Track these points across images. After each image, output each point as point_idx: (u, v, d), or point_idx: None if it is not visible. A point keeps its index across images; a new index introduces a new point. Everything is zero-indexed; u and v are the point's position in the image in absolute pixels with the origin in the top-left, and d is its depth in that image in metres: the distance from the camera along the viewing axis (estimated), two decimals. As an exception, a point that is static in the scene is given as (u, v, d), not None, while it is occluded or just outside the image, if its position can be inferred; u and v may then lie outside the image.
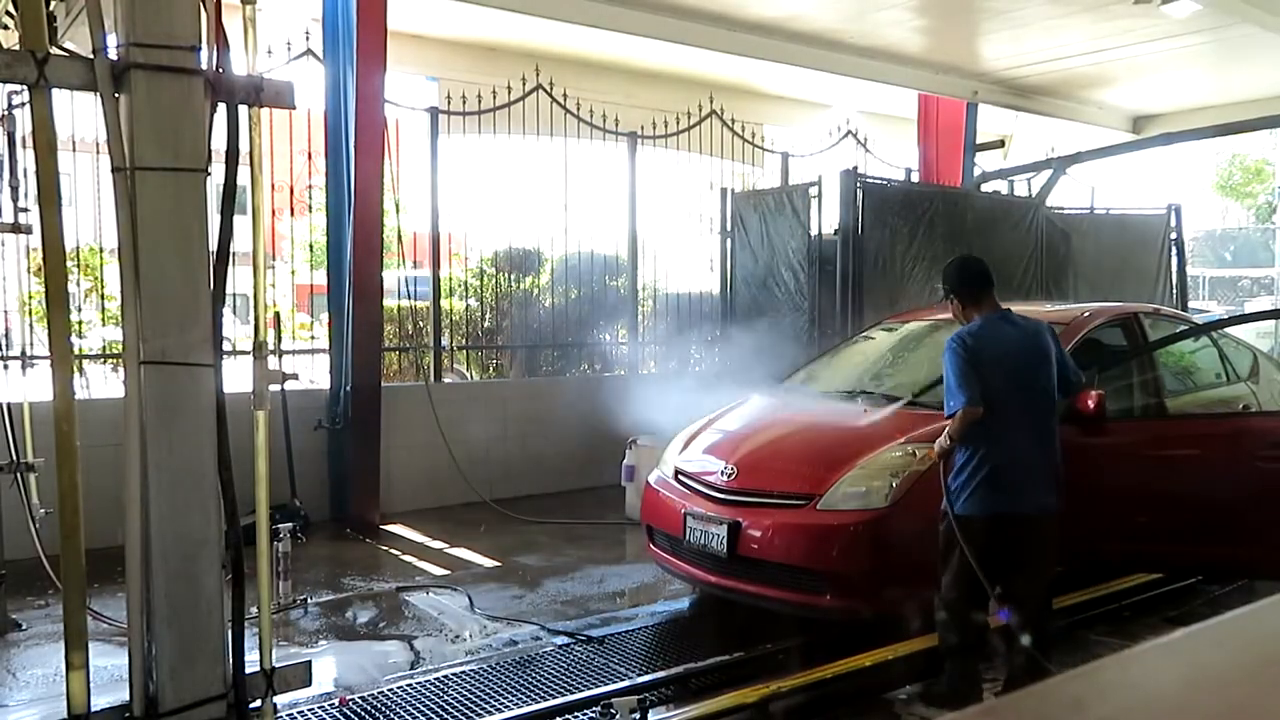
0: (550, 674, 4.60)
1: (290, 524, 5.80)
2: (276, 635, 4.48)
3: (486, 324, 9.56)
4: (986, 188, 11.35)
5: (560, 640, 5.04)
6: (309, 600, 5.60)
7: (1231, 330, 6.93)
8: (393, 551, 6.82)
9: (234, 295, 4.09)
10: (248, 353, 3.04)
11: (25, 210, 5.02)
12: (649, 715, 3.80)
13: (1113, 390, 5.36)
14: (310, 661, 3.11)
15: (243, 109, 2.78)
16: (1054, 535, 4.14)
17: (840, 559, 4.71)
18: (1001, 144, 13.70)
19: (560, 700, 4.26)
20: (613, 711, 3.75)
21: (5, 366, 5.89)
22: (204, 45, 2.68)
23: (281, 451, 6.97)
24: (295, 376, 4.58)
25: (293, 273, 9.26)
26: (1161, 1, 8.81)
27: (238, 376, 3.40)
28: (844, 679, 4.42)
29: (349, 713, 4.19)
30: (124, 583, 2.71)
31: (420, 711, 4.21)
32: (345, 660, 4.85)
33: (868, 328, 7.15)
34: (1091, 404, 5.11)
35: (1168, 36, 10.07)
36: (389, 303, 8.31)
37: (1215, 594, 5.92)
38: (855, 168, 8.91)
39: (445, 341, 8.71)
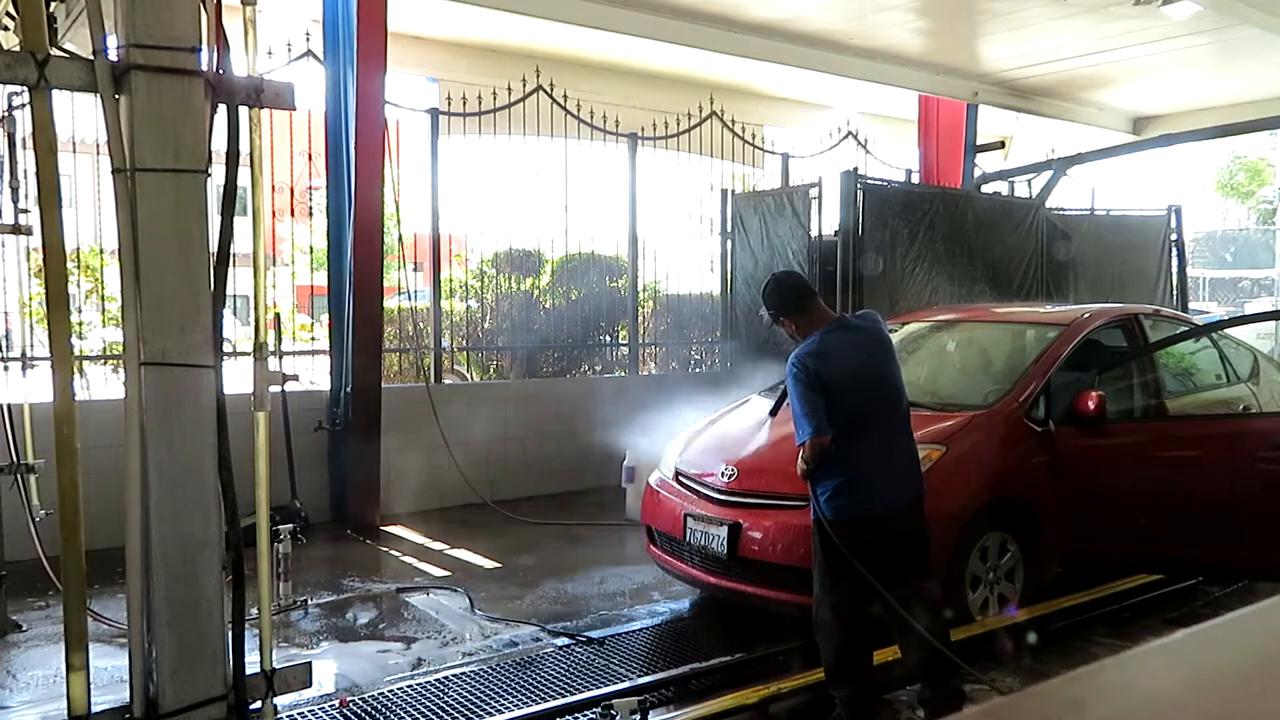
0: (550, 675, 4.60)
1: (290, 525, 5.79)
2: (277, 636, 4.48)
3: (487, 325, 9.56)
4: (987, 189, 11.35)
5: (560, 641, 5.04)
6: (309, 601, 5.60)
7: (1231, 331, 6.93)
8: (393, 553, 6.82)
9: (234, 296, 4.10)
10: (248, 354, 3.04)
11: (26, 211, 5.02)
12: (649, 716, 3.79)
13: (1113, 391, 5.37)
14: (310, 663, 3.12)
15: (243, 110, 2.79)
16: (924, 527, 4.06)
17: (840, 560, 4.70)
18: (1002, 145, 13.70)
19: (561, 701, 4.26)
20: (613, 713, 3.74)
21: (5, 368, 5.89)
22: (204, 46, 2.68)
23: (282, 453, 6.96)
24: (295, 378, 4.59)
25: (293, 274, 9.27)
26: (1162, 3, 8.81)
27: (238, 378, 3.41)
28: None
29: (349, 714, 4.19)
30: (124, 584, 2.71)
31: (421, 713, 4.21)
32: (346, 661, 4.85)
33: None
34: (1092, 405, 5.12)
35: (1168, 38, 10.07)
36: (389, 304, 8.32)
37: (1215, 595, 5.91)
38: (855, 169, 8.91)
39: (446, 343, 8.71)
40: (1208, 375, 6.21)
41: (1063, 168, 10.42)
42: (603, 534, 7.24)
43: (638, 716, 3.72)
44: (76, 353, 6.90)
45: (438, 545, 6.99)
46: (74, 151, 6.34)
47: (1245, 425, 5.62)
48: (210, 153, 2.71)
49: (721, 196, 9.59)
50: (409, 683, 4.51)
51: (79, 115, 6.01)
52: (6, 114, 5.09)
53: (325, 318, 8.04)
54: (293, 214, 8.42)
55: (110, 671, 4.18)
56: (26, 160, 4.99)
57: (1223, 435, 5.48)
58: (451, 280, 9.16)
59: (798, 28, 9.57)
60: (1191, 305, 11.89)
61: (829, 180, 8.73)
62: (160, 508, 2.65)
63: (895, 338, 6.47)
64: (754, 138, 10.17)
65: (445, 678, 4.56)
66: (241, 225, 2.83)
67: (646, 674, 4.60)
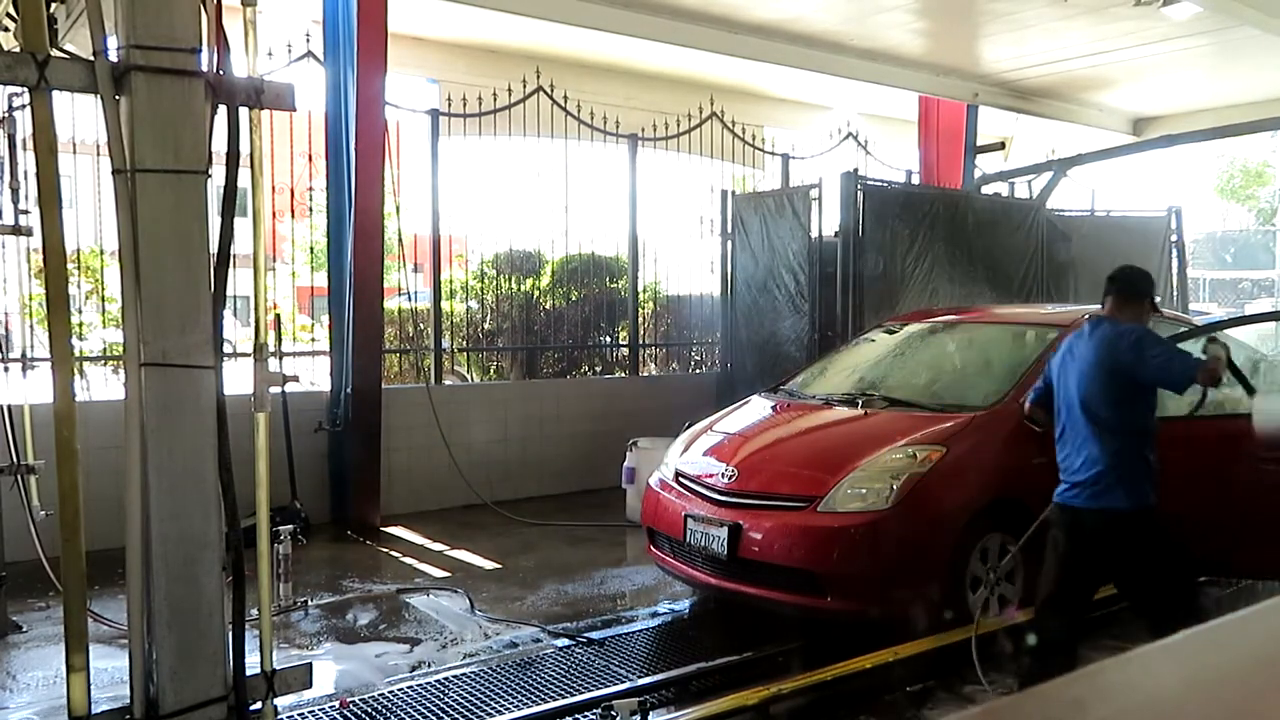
0: (551, 676, 4.60)
1: (291, 526, 5.79)
2: (277, 637, 4.48)
3: (487, 326, 9.57)
4: (987, 190, 11.35)
5: (561, 642, 5.04)
6: (309, 602, 5.60)
7: (1232, 332, 6.91)
8: (393, 553, 6.82)
9: (234, 297, 4.10)
10: (248, 355, 3.04)
11: (26, 212, 5.02)
12: (650, 717, 3.79)
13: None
14: (311, 664, 3.12)
15: (243, 111, 2.79)
16: (1132, 535, 4.09)
17: (841, 561, 4.71)
18: (1002, 146, 13.70)
19: (561, 702, 4.26)
20: (614, 714, 3.75)
21: (6, 368, 5.90)
22: (204, 47, 2.69)
23: (282, 453, 6.96)
24: (296, 379, 4.58)
25: (293, 274, 9.28)
26: (1162, 4, 8.81)
27: (238, 378, 3.41)
28: (845, 681, 4.41)
29: (350, 715, 4.19)
30: (124, 585, 2.71)
31: (421, 713, 4.21)
32: (346, 662, 4.85)
33: (868, 330, 7.15)
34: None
35: (1168, 39, 10.07)
36: (389, 305, 8.32)
37: (1216, 595, 5.91)
38: (856, 170, 8.91)
39: (446, 343, 8.71)
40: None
41: (1063, 169, 10.42)
42: (603, 535, 7.24)
43: (638, 717, 3.72)
44: (77, 353, 6.90)
45: (438, 546, 6.99)
46: (74, 152, 6.34)
47: (1245, 426, 5.61)
48: (210, 153, 2.71)
49: (722, 197, 9.59)
50: (409, 684, 4.51)
51: (79, 116, 6.01)
52: (7, 115, 5.09)
53: (325, 318, 8.04)
54: (293, 214, 8.42)
55: (110, 672, 4.18)
56: (27, 161, 4.99)
57: (1223, 436, 5.47)
58: (452, 281, 9.16)
59: (798, 29, 9.57)
60: (1192, 306, 11.89)
61: (829, 181, 8.73)
62: (160, 508, 2.65)
63: (895, 340, 6.50)
64: (754, 139, 10.18)
65: (446, 678, 4.56)
66: (242, 226, 2.83)
67: (647, 675, 4.60)
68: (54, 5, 3.60)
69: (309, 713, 4.19)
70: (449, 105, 8.21)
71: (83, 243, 7.78)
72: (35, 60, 2.53)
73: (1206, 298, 22.92)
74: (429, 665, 4.78)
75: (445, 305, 8.76)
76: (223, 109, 2.74)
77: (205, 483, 2.71)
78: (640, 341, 9.96)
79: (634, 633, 5.24)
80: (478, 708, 4.25)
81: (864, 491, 4.76)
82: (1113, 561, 4.13)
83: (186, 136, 2.64)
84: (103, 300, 7.76)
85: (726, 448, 5.51)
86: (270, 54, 7.00)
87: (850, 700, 4.33)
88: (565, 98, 8.60)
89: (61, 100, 2.71)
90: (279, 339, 7.50)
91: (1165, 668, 0.98)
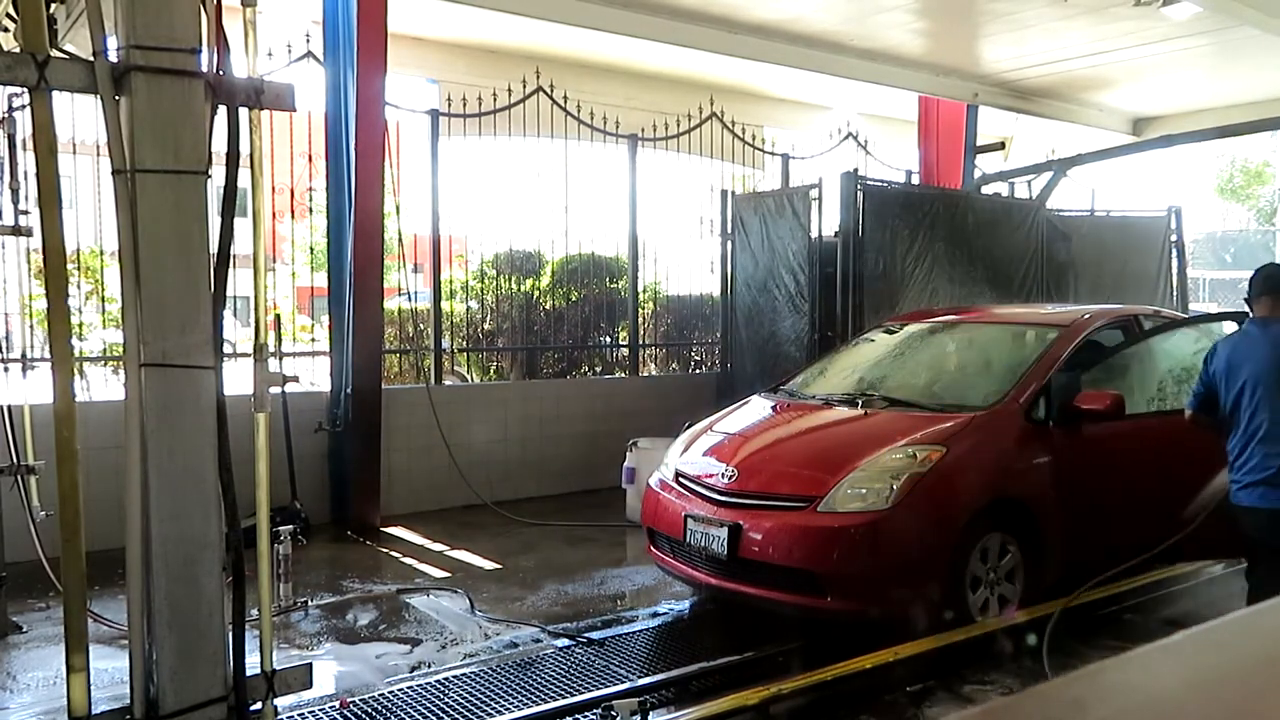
0: (551, 676, 4.60)
1: (291, 526, 5.78)
2: (277, 637, 4.49)
3: (487, 326, 9.57)
4: (987, 190, 11.35)
5: (561, 642, 5.04)
6: (309, 602, 5.60)
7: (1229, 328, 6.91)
8: (393, 554, 6.82)
9: (234, 297, 4.10)
10: (248, 355, 3.04)
11: (26, 213, 5.02)
12: (650, 717, 3.79)
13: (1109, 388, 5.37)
14: (311, 664, 3.12)
15: (243, 111, 2.79)
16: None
17: (841, 561, 4.71)
18: (1002, 146, 13.70)
19: (561, 703, 4.26)
20: (614, 714, 3.75)
21: (5, 369, 5.90)
22: (204, 48, 2.69)
23: (282, 454, 6.96)
24: (296, 379, 4.59)
25: (293, 275, 9.28)
26: (1162, 4, 8.81)
27: (238, 379, 3.41)
28: (845, 681, 4.41)
29: (350, 715, 4.19)
30: (125, 585, 2.71)
31: (421, 714, 4.20)
32: (346, 663, 4.85)
33: (868, 330, 7.15)
34: (1098, 406, 5.13)
35: (1168, 39, 10.07)
36: (390, 305, 8.32)
37: (1216, 595, 5.91)
38: (856, 170, 8.90)
39: (446, 344, 8.71)
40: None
41: (1063, 169, 10.42)
42: (603, 535, 7.24)
43: (638, 717, 3.73)
44: (77, 354, 6.90)
45: (438, 546, 6.99)
46: (74, 152, 6.34)
47: None
48: (210, 154, 2.71)
49: (721, 197, 9.59)
50: (409, 684, 4.51)
51: (79, 116, 6.01)
52: (7, 115, 5.09)
53: (325, 318, 8.04)
54: (293, 214, 8.42)
55: (111, 673, 4.18)
56: (27, 161, 4.99)
57: None
58: (452, 281, 9.16)
59: (798, 29, 9.57)
60: (1192, 306, 11.89)
61: (829, 181, 8.73)
62: (161, 509, 2.65)
63: (895, 340, 6.50)
64: (754, 139, 10.18)
65: (446, 679, 4.56)
66: (242, 226, 2.83)
67: (647, 675, 4.60)
68: (54, 5, 3.61)
69: (309, 713, 4.19)
70: (449, 105, 8.21)
71: (83, 243, 7.78)
72: (35, 60, 2.53)
73: (1206, 298, 22.90)
74: (429, 665, 4.78)
75: (445, 305, 8.76)
76: (223, 109, 2.75)
77: (205, 483, 2.71)
78: (640, 342, 9.96)
79: (634, 633, 5.24)
80: (478, 708, 4.25)
81: (864, 491, 4.76)
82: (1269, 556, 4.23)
83: (186, 137, 2.64)
84: (103, 300, 7.75)
85: (726, 448, 5.51)
86: (270, 54, 7.00)
87: (850, 700, 4.33)
88: (565, 98, 8.60)
89: (61, 100, 2.71)
90: (279, 339, 7.51)
91: (1165, 668, 0.98)
